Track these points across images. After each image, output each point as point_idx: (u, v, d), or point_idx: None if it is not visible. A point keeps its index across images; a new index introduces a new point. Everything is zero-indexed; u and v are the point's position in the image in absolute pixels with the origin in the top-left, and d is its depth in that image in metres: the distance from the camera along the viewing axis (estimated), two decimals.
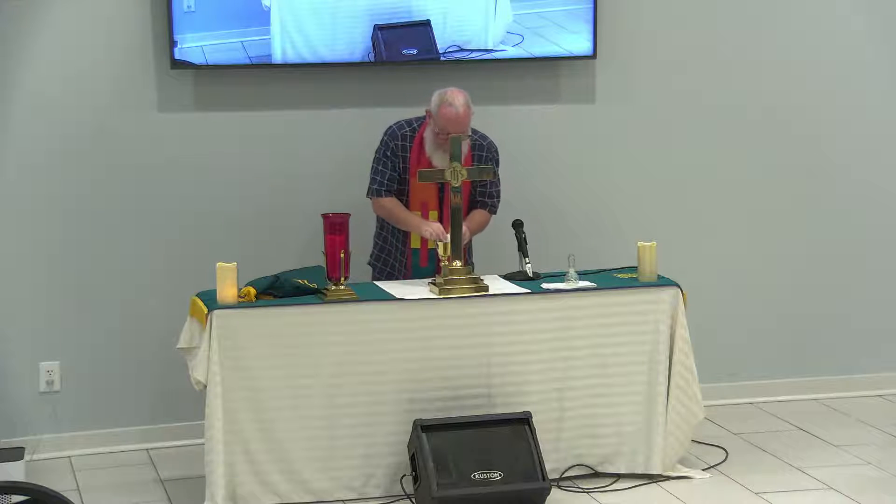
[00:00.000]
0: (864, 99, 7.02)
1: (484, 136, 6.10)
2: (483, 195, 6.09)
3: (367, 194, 6.06)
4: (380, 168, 6.00)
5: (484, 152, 6.06)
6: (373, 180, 6.02)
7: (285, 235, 6.45)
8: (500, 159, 6.14)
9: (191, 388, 5.53)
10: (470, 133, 5.95)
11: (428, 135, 5.95)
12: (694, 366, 5.86)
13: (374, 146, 6.08)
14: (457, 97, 5.86)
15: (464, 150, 5.89)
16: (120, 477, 6.02)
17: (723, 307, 6.92)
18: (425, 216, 5.98)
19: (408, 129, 6.03)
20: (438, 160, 5.89)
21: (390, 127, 6.05)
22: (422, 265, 6.02)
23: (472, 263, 5.98)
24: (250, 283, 5.59)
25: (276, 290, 5.60)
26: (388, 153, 5.99)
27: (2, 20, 6.08)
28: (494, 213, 6.14)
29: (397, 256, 6.09)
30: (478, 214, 6.08)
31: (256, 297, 5.55)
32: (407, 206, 6.00)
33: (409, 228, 5.96)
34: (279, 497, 5.53)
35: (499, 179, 6.11)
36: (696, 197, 6.90)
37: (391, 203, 5.99)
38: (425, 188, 5.94)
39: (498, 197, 6.13)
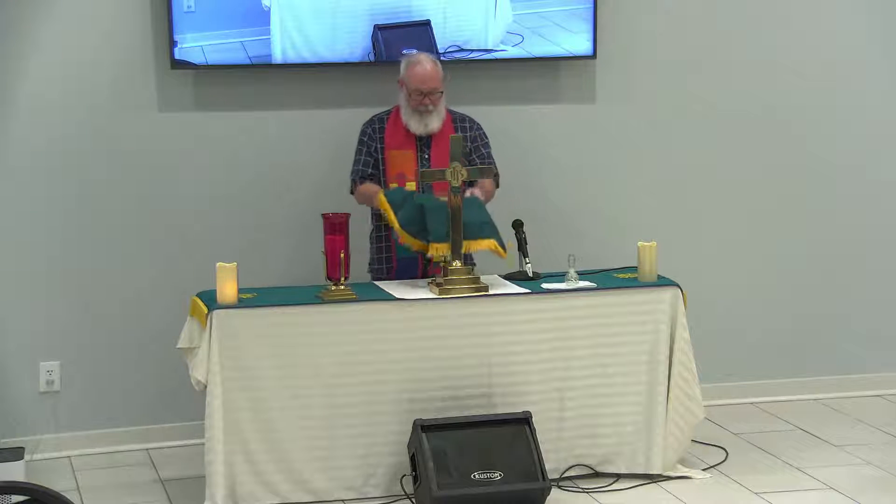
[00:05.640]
0: (864, 99, 7.02)
1: (465, 114, 6.16)
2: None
3: (350, 191, 6.11)
4: (356, 157, 6.09)
5: (466, 123, 6.12)
6: (352, 171, 6.09)
7: (285, 235, 6.45)
8: (500, 158, 6.15)
9: (191, 388, 5.54)
10: (444, 95, 6.00)
11: (402, 102, 6.02)
12: (694, 366, 5.85)
13: None
14: (421, 55, 6.03)
15: (442, 115, 5.98)
16: (120, 477, 6.02)
17: (723, 307, 6.92)
18: (402, 186, 5.98)
19: (384, 113, 6.12)
20: (415, 125, 5.98)
21: (368, 118, 6.14)
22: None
23: (474, 263, 5.99)
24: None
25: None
26: (365, 138, 6.07)
27: (1, 20, 6.08)
28: (497, 184, 6.12)
29: (391, 246, 6.09)
30: (482, 183, 6.05)
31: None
32: (385, 176, 6.03)
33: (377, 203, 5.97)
34: (279, 497, 5.53)
35: (490, 152, 6.12)
36: (696, 197, 6.90)
37: (365, 186, 6.03)
38: (402, 159, 5.96)
39: (496, 168, 6.08)
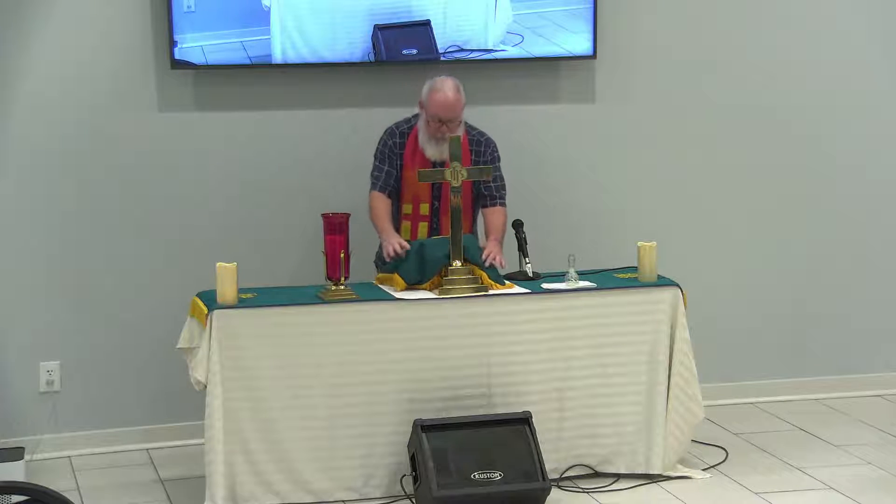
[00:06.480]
0: (864, 99, 7.02)
1: (482, 133, 6.13)
2: (490, 190, 6.09)
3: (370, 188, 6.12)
4: (377, 164, 6.07)
5: (482, 147, 6.09)
6: (372, 176, 6.08)
7: (285, 235, 6.45)
8: (501, 157, 6.15)
9: (191, 388, 5.54)
10: (462, 119, 5.97)
11: (420, 125, 5.99)
12: (694, 366, 5.85)
13: (373, 146, 6.10)
14: (446, 82, 5.93)
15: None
16: (120, 477, 6.02)
17: (723, 307, 6.92)
18: (416, 209, 6.01)
19: (405, 126, 6.08)
20: (431, 151, 5.95)
21: (389, 126, 6.09)
22: None
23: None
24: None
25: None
26: (386, 151, 6.04)
27: (1, 20, 6.07)
28: (505, 206, 6.14)
29: None
30: (494, 216, 6.06)
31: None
32: (400, 197, 6.03)
33: (378, 232, 5.99)
34: (279, 497, 5.53)
35: (501, 174, 6.12)
36: (696, 197, 6.90)
37: (376, 201, 6.02)
38: (419, 182, 5.95)
39: (504, 190, 6.13)
